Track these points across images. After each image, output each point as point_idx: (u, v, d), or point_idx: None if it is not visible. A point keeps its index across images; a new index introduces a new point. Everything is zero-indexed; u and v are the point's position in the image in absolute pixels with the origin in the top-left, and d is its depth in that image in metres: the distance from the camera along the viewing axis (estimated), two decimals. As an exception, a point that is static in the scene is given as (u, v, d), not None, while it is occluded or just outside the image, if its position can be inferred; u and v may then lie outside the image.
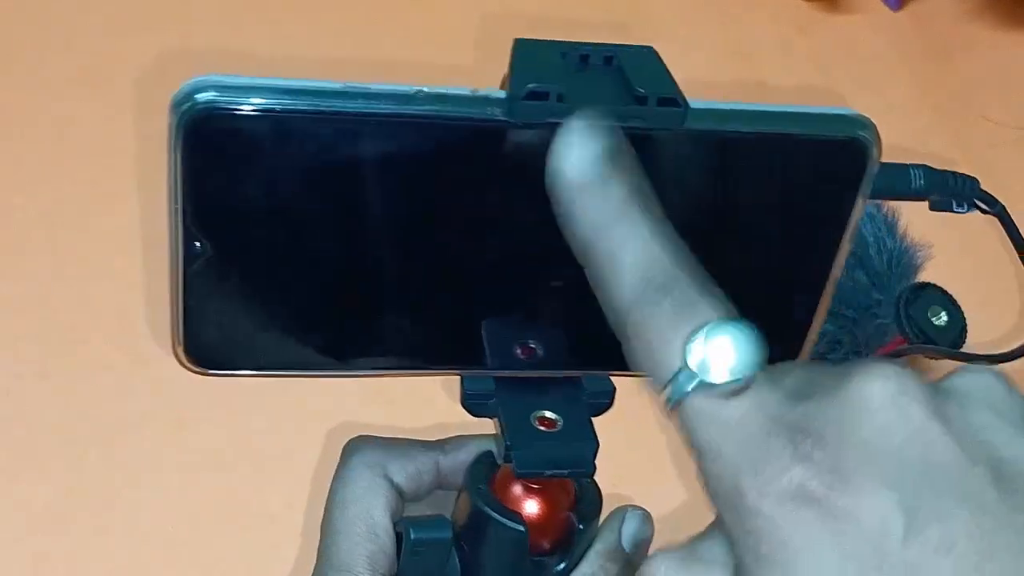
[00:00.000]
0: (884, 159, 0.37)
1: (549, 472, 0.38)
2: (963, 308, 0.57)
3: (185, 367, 0.37)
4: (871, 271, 0.59)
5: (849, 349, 0.60)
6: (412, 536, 0.40)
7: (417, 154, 0.34)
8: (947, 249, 0.60)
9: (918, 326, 0.56)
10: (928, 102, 0.83)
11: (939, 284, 0.65)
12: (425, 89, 0.33)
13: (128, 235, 0.67)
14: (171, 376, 0.62)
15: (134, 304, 0.65)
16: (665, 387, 0.29)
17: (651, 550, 0.41)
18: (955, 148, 0.80)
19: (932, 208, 0.47)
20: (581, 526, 0.40)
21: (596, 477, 0.41)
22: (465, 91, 0.33)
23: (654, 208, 0.30)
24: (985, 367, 0.31)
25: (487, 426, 0.39)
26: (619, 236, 0.30)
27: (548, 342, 0.38)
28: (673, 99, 0.33)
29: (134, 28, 0.77)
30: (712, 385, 0.28)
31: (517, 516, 0.39)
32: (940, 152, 0.80)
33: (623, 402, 0.66)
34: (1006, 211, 0.51)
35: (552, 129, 0.32)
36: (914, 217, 0.75)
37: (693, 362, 0.28)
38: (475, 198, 0.35)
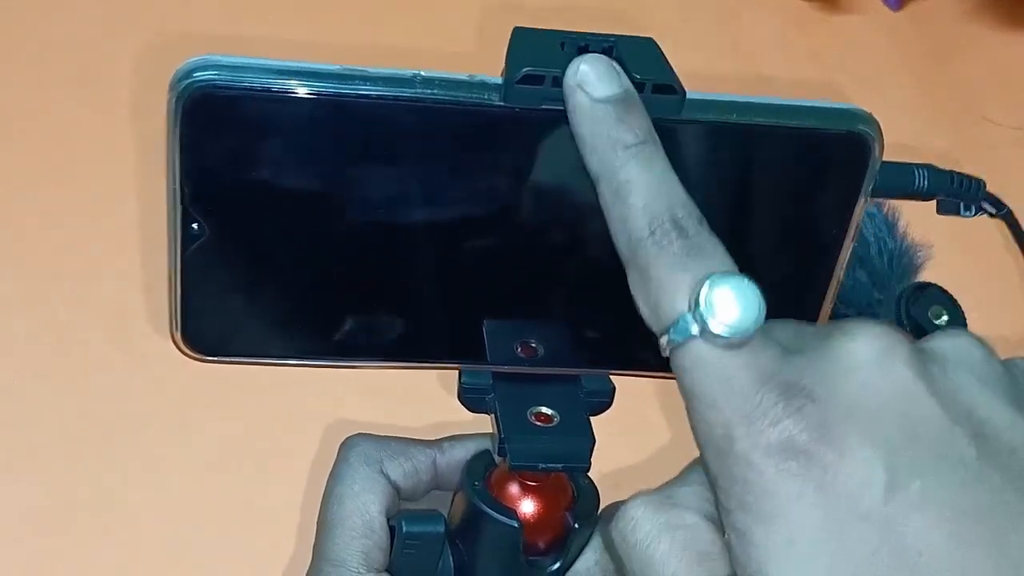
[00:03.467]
0: (885, 158, 0.37)
1: (543, 465, 0.38)
2: (964, 309, 0.57)
3: (183, 353, 0.37)
4: (871, 270, 0.59)
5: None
6: (404, 529, 0.40)
7: (414, 138, 0.34)
8: (949, 249, 0.60)
9: (919, 326, 0.56)
10: (928, 102, 0.83)
11: (940, 284, 0.65)
12: (423, 73, 0.33)
13: (128, 235, 0.67)
14: (171, 376, 0.63)
15: (134, 304, 0.65)
16: (668, 328, 0.30)
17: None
18: (956, 148, 0.80)
19: (940, 211, 0.47)
20: (577, 526, 0.40)
21: (597, 481, 0.41)
22: (462, 76, 0.33)
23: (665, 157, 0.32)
24: (964, 330, 0.32)
25: (485, 426, 0.39)
26: (638, 165, 0.31)
27: (548, 339, 0.38)
28: (670, 86, 0.33)
29: (134, 26, 0.77)
30: (714, 335, 0.29)
31: (511, 512, 0.39)
32: (941, 152, 0.80)
33: (626, 403, 0.66)
34: (1012, 215, 0.51)
35: (548, 116, 0.33)
36: (915, 217, 0.75)
37: (698, 307, 0.29)
38: (473, 185, 0.35)
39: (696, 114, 0.34)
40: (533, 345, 0.38)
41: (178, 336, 0.36)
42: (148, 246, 0.66)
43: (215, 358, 0.37)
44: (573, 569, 0.40)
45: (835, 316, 0.59)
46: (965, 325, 0.57)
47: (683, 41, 0.85)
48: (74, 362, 0.63)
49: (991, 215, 0.49)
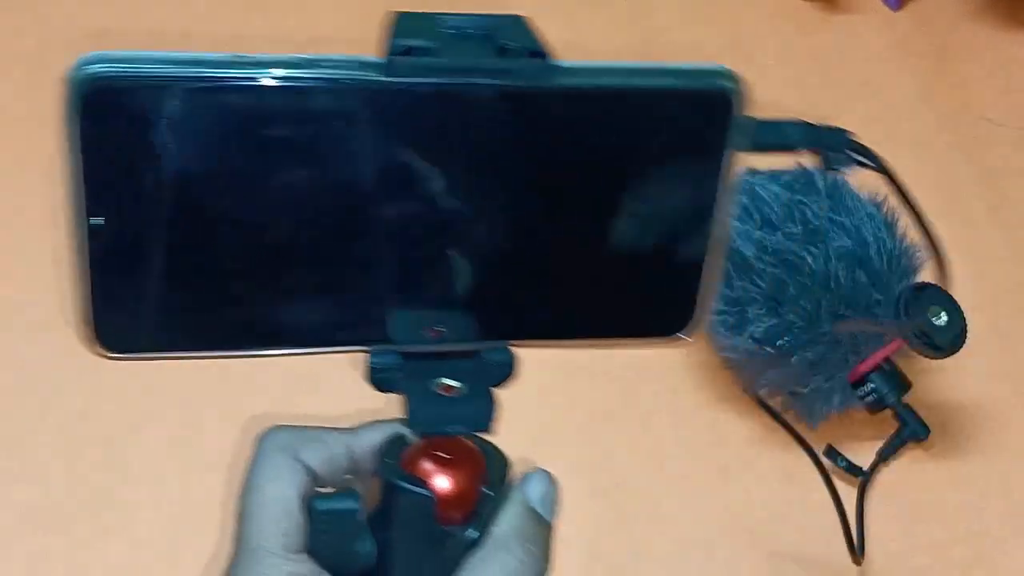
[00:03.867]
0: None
1: (448, 428, 0.39)
2: (966, 307, 0.57)
3: (95, 353, 0.37)
4: (871, 271, 0.59)
5: (848, 349, 0.60)
6: (318, 508, 0.40)
7: (305, 121, 0.35)
8: (948, 248, 0.60)
9: (919, 327, 0.56)
10: (928, 102, 0.83)
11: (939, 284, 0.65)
12: (308, 56, 0.34)
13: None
14: (171, 376, 0.63)
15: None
16: None
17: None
18: (955, 148, 0.80)
19: (825, 167, 0.48)
20: (489, 492, 0.41)
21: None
22: (345, 56, 0.34)
23: None
24: None
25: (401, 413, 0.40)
26: None
27: (451, 318, 0.39)
28: (539, 52, 0.35)
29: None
30: None
31: (421, 482, 0.40)
32: (940, 152, 0.80)
33: (627, 402, 0.66)
34: (887, 167, 0.52)
35: (431, 90, 0.34)
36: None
37: None
38: (369, 167, 0.36)
39: (568, 79, 0.35)
40: (437, 326, 0.38)
41: (88, 336, 0.37)
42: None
43: (127, 356, 0.37)
44: (491, 533, 0.40)
45: (836, 317, 0.59)
46: (964, 325, 0.57)
47: (683, 41, 0.85)
48: (74, 362, 0.63)
49: (865, 166, 0.50)
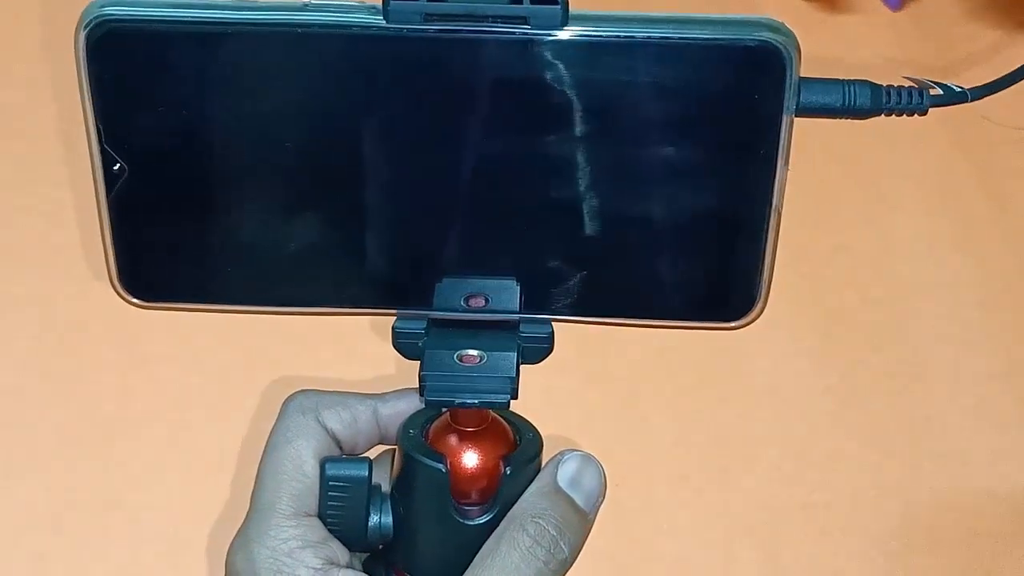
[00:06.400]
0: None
1: (459, 400, 0.37)
2: (963, 307, 0.57)
3: (124, 299, 0.37)
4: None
5: None
6: (327, 472, 0.39)
7: (316, 67, 0.34)
8: (948, 248, 0.60)
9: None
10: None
11: (939, 280, 0.65)
12: (313, 2, 0.34)
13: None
14: (171, 376, 0.63)
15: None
16: None
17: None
18: (956, 148, 0.80)
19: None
20: (509, 471, 0.39)
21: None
22: (349, 3, 0.34)
23: None
24: None
25: None
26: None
27: (492, 287, 0.37)
28: None
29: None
30: None
31: (439, 456, 0.38)
32: (940, 152, 0.80)
33: (627, 402, 0.66)
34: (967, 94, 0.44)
35: (432, 37, 0.33)
36: (914, 212, 0.75)
37: None
38: (380, 115, 0.35)
39: (582, 27, 0.33)
40: (478, 294, 0.37)
41: (116, 282, 0.37)
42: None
43: (155, 303, 0.37)
44: (510, 512, 0.39)
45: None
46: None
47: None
48: (74, 362, 0.63)
49: (951, 103, 0.43)
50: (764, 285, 0.37)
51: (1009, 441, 0.66)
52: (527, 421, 0.41)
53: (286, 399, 0.41)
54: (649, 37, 0.33)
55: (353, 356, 0.62)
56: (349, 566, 0.39)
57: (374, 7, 0.33)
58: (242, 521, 0.40)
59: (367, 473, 0.39)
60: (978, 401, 0.68)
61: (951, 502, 0.64)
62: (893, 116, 0.40)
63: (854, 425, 0.65)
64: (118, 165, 0.35)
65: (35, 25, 0.76)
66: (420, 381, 0.37)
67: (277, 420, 0.41)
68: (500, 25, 0.33)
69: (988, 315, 0.71)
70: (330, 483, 0.39)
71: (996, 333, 0.71)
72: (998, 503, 0.64)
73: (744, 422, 0.65)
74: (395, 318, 0.38)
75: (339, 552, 0.39)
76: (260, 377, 0.63)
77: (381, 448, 0.43)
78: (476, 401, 0.37)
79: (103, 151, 0.35)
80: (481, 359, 0.37)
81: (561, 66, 0.33)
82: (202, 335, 0.64)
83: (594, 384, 0.66)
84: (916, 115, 0.40)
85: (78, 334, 0.64)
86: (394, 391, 0.42)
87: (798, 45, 0.34)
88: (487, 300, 0.37)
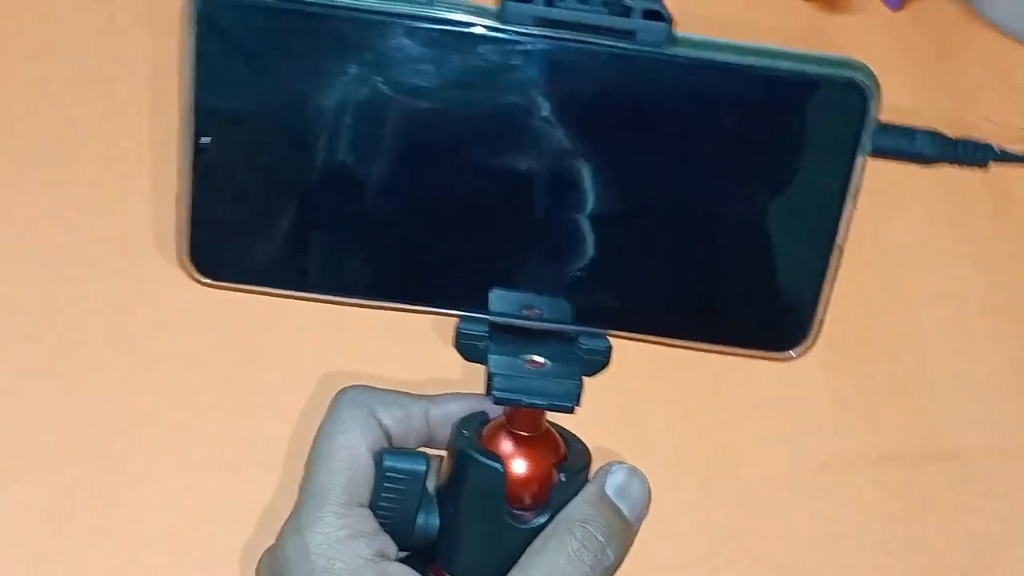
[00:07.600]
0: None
1: (527, 400, 0.37)
2: (971, 315, 0.56)
3: (190, 276, 0.37)
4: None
5: None
6: (385, 463, 0.39)
7: (422, 63, 0.34)
8: (951, 252, 0.60)
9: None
10: (929, 103, 0.83)
11: (942, 288, 0.65)
12: None
13: (128, 234, 0.67)
14: (171, 376, 0.63)
15: (134, 303, 0.65)
16: None
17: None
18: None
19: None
20: (563, 478, 0.39)
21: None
22: (468, 3, 0.34)
23: None
24: None
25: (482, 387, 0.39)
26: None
27: (549, 293, 0.37)
28: (658, 12, 0.34)
29: (132, 25, 0.77)
30: None
31: (495, 456, 0.39)
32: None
33: (628, 401, 0.66)
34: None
35: (552, 46, 0.33)
36: (917, 215, 0.75)
37: None
38: (476, 115, 0.35)
39: (685, 49, 0.34)
40: (536, 306, 0.37)
41: (186, 258, 0.37)
42: (148, 245, 0.66)
43: (220, 283, 0.37)
44: (558, 515, 0.39)
45: None
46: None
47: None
48: (74, 362, 0.63)
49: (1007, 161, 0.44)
50: (818, 320, 0.37)
51: (1014, 447, 0.66)
52: (573, 433, 0.41)
53: (338, 392, 0.41)
54: (746, 65, 0.34)
55: (385, 356, 0.62)
56: (399, 560, 0.39)
57: (488, 8, 0.34)
58: (289, 511, 0.40)
59: (425, 468, 0.39)
60: (983, 409, 0.68)
61: (956, 506, 0.64)
62: (955, 166, 0.42)
63: (859, 433, 0.65)
64: (207, 138, 0.35)
65: (35, 25, 0.76)
66: (488, 379, 0.37)
67: (329, 412, 0.40)
68: (606, 37, 0.34)
69: (993, 322, 0.71)
70: (387, 474, 0.39)
71: (1001, 341, 0.71)
72: (1001, 507, 0.64)
73: (749, 430, 0.65)
74: (459, 320, 0.38)
75: (389, 546, 0.39)
76: (260, 377, 0.63)
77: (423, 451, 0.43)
78: (545, 403, 0.38)
79: (196, 123, 0.35)
80: (545, 365, 0.38)
81: (657, 84, 0.34)
82: (202, 335, 0.64)
83: (595, 387, 0.66)
84: (976, 168, 0.43)
85: (78, 334, 0.64)
86: (445, 394, 0.42)
87: (879, 87, 0.35)
88: (543, 311, 0.37)
